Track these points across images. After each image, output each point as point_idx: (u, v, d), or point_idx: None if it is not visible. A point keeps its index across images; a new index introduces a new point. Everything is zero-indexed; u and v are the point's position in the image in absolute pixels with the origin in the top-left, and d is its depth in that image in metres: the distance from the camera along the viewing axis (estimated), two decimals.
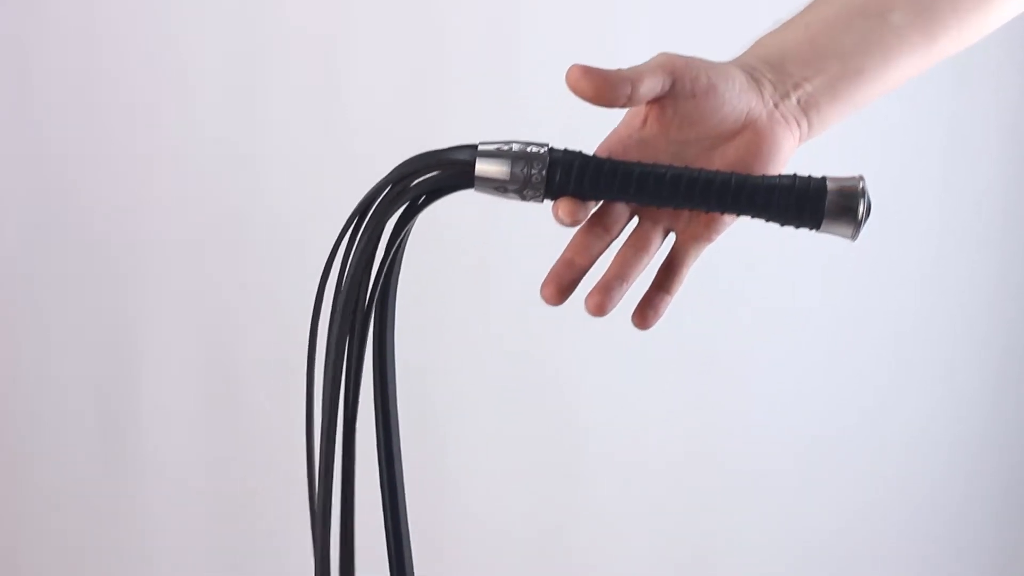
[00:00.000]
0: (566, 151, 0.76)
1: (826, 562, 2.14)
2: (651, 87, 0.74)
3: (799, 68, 0.78)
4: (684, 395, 2.05)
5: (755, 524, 2.11)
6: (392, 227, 0.79)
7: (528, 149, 0.76)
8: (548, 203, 0.77)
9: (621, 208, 0.79)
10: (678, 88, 0.75)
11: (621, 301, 0.79)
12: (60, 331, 1.88)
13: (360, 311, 0.80)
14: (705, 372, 2.05)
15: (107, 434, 1.90)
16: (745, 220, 0.78)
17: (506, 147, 0.76)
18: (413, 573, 0.86)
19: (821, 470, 2.11)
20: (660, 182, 0.75)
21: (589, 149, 0.78)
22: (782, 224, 0.76)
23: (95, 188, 1.86)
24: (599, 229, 0.79)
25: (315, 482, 0.82)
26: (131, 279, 1.89)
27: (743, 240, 2.05)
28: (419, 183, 0.77)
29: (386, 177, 0.78)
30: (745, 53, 0.81)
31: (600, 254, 0.79)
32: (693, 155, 0.78)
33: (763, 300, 2.04)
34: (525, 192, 0.76)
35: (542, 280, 0.79)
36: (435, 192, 0.77)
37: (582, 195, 0.76)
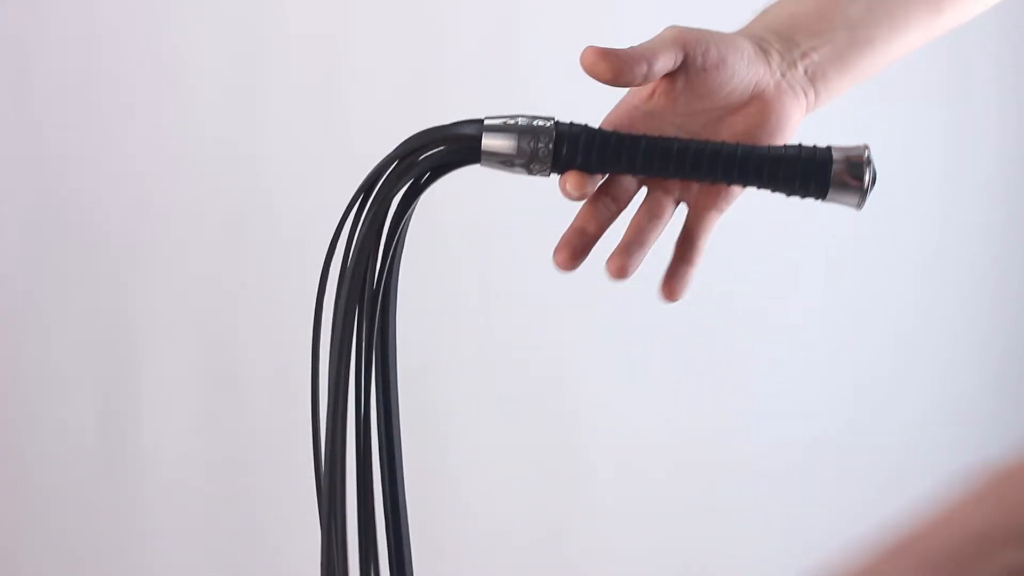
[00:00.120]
0: (572, 124, 0.76)
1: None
2: (665, 63, 0.74)
3: (807, 38, 0.78)
4: (684, 395, 2.05)
5: (755, 525, 2.11)
6: (396, 206, 0.79)
7: (534, 123, 0.76)
8: (555, 180, 0.77)
9: (629, 180, 0.79)
10: (689, 61, 0.75)
11: (638, 268, 0.79)
12: (60, 331, 1.88)
13: (368, 289, 0.79)
14: (705, 372, 2.05)
15: (107, 434, 1.89)
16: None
17: (512, 121, 0.76)
18: (413, 573, 0.86)
19: (821, 470, 2.11)
20: (667, 154, 0.75)
21: None
22: (788, 194, 0.76)
23: (95, 188, 1.85)
24: (607, 199, 0.78)
25: (322, 482, 0.81)
26: (131, 279, 1.88)
27: (743, 240, 2.06)
28: (425, 158, 0.76)
29: (392, 152, 0.77)
30: (752, 23, 0.81)
31: (610, 223, 0.79)
32: (700, 126, 0.78)
33: (763, 300, 2.04)
34: (532, 166, 0.76)
35: (553, 248, 0.78)
36: (441, 168, 0.77)
37: (589, 168, 0.76)
